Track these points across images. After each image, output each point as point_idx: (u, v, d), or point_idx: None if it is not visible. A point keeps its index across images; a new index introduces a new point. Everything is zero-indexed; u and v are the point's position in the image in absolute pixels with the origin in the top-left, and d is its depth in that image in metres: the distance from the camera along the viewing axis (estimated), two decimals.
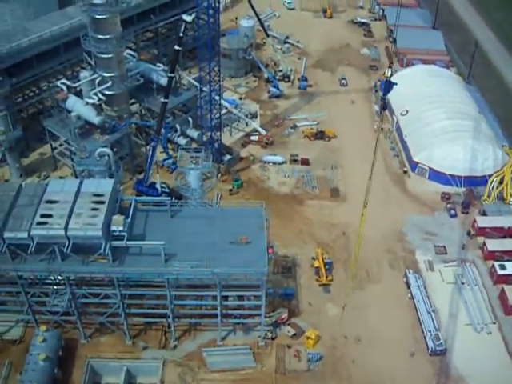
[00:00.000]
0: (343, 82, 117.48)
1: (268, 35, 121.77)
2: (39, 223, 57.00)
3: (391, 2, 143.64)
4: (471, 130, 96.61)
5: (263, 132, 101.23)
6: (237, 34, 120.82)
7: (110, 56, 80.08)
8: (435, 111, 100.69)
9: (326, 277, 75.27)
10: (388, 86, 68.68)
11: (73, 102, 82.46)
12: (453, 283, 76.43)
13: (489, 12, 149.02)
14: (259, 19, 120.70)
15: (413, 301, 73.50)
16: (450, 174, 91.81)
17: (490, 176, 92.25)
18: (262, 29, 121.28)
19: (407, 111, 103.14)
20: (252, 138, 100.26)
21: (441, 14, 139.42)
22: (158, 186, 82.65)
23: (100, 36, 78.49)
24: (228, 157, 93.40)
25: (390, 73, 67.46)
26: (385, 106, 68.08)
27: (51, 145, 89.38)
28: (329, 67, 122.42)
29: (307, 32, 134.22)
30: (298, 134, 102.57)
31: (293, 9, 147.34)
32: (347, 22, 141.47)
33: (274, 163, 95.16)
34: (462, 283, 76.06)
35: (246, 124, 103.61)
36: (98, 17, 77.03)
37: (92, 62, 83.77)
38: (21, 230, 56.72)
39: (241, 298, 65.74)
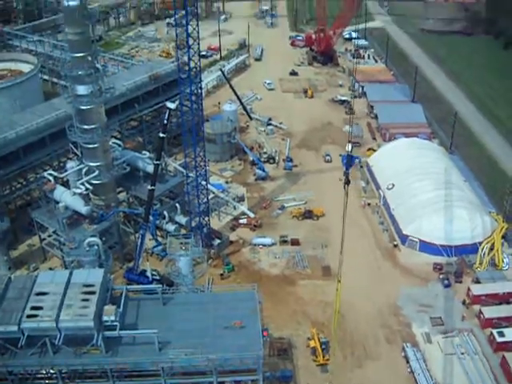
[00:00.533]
0: (328, 158, 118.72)
1: (251, 118, 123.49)
2: (29, 316, 55.65)
3: (370, 79, 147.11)
4: (458, 199, 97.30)
5: (251, 215, 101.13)
6: (220, 119, 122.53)
7: (95, 146, 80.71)
8: (421, 183, 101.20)
9: (323, 356, 73.88)
10: (349, 160, 70.73)
11: (60, 192, 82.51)
12: (452, 354, 74.69)
13: (466, 84, 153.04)
14: (241, 103, 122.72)
15: (413, 375, 71.79)
16: (441, 245, 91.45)
17: (481, 243, 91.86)
18: (244, 112, 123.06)
19: (393, 185, 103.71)
20: (240, 221, 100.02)
21: (419, 88, 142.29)
22: (148, 273, 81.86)
23: (85, 126, 79.28)
24: (217, 241, 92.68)
25: (350, 148, 69.31)
26: (348, 180, 69.53)
27: (40, 236, 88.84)
28: (313, 146, 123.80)
29: (290, 113, 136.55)
30: (286, 215, 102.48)
31: (273, 89, 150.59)
32: (328, 100, 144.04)
33: (264, 245, 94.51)
34: (462, 353, 74.43)
35: (234, 208, 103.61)
36: (82, 107, 77.92)
37: (78, 153, 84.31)
38: (10, 323, 55.28)
39: (238, 382, 64.24)
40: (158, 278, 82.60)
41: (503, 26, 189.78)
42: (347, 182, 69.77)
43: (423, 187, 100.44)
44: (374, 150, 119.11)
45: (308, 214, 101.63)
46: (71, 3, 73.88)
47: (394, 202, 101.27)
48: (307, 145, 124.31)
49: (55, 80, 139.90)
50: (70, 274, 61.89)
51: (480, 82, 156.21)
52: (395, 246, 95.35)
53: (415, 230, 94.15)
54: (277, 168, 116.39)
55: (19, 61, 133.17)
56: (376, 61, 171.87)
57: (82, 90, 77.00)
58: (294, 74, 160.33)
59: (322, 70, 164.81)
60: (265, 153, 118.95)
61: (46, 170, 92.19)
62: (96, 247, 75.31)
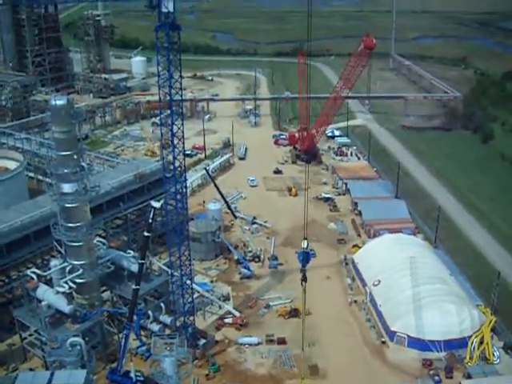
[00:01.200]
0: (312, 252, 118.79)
1: (236, 217, 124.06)
2: None
3: (353, 176, 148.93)
4: (444, 293, 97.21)
5: (237, 314, 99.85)
6: (205, 218, 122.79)
7: (80, 244, 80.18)
8: (407, 278, 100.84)
9: None
10: (305, 257, 71.69)
11: (43, 291, 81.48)
12: None
13: (448, 178, 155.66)
14: (226, 202, 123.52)
15: None
16: (429, 340, 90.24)
17: (470, 337, 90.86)
18: (229, 211, 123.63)
19: (379, 281, 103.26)
20: (226, 320, 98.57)
21: (402, 183, 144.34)
22: (132, 374, 79.74)
23: (70, 224, 79.01)
24: (203, 341, 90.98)
25: (306, 244, 70.18)
26: (305, 277, 70.09)
27: (20, 335, 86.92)
28: (298, 244, 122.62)
29: (274, 211, 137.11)
30: (272, 314, 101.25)
31: (256, 186, 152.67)
32: (312, 198, 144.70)
33: (250, 345, 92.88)
34: None
35: (220, 307, 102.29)
36: (67, 205, 77.93)
37: (62, 250, 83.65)
38: None
39: None
40: (142, 379, 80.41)
41: (480, 121, 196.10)
42: (304, 279, 70.04)
43: (409, 282, 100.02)
44: (359, 247, 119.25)
45: (294, 313, 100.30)
46: (58, 102, 75.18)
47: (380, 299, 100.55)
48: (292, 243, 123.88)
49: (41, 177, 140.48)
50: (51, 375, 60.69)
51: (461, 175, 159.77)
52: (383, 342, 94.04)
53: (403, 325, 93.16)
54: (262, 266, 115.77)
55: (5, 158, 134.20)
56: (359, 158, 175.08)
57: (67, 188, 77.31)
58: (277, 172, 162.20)
59: (305, 168, 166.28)
60: (250, 251, 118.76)
61: (29, 268, 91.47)
62: (79, 347, 73.67)
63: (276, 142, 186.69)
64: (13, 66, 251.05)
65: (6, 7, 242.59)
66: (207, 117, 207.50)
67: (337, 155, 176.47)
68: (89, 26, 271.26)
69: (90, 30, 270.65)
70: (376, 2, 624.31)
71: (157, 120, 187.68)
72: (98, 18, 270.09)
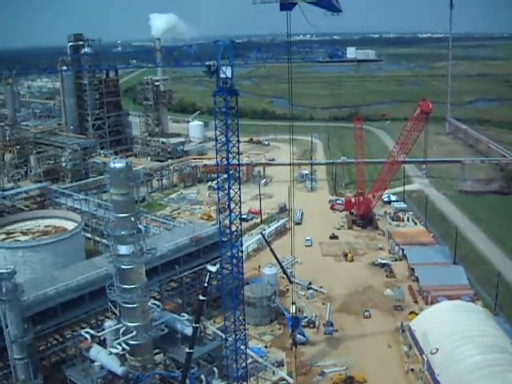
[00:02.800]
0: (366, 314, 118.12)
1: (291, 282, 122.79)
2: None
3: (410, 242, 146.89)
4: (506, 363, 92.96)
5: (291, 380, 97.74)
6: (260, 282, 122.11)
7: (134, 306, 79.83)
8: (466, 347, 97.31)
9: None
10: (295, 321, 70.64)
11: (96, 351, 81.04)
12: None
13: (507, 243, 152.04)
14: (282, 266, 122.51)
15: None
16: None
17: None
18: (285, 276, 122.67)
19: (437, 349, 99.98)
20: None
21: (460, 249, 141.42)
22: None
23: (125, 286, 78.87)
24: None
25: (294, 309, 69.38)
26: (295, 342, 68.76)
27: None
28: (353, 311, 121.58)
29: (330, 277, 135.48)
30: (326, 381, 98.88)
31: (309, 246, 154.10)
32: (368, 264, 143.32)
33: None
34: None
35: (273, 373, 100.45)
36: (123, 267, 77.93)
37: (117, 312, 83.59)
38: None
39: None
40: None
41: None
42: (294, 344, 68.99)
43: (469, 351, 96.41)
44: (416, 314, 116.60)
45: (349, 381, 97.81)
46: (117, 165, 76.02)
47: (438, 368, 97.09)
48: (348, 309, 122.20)
49: (97, 238, 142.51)
50: None
51: None
52: None
53: None
54: (317, 333, 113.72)
55: (64, 218, 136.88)
56: (415, 223, 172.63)
57: (123, 249, 77.40)
58: (334, 237, 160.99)
59: (361, 233, 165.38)
60: (305, 317, 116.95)
61: (83, 328, 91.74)
62: None
63: (332, 207, 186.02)
64: (74, 129, 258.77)
65: (70, 73, 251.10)
66: (263, 181, 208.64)
67: (393, 220, 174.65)
68: (148, 91, 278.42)
69: (149, 94, 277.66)
70: (431, 67, 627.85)
71: (213, 184, 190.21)
72: (157, 83, 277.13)
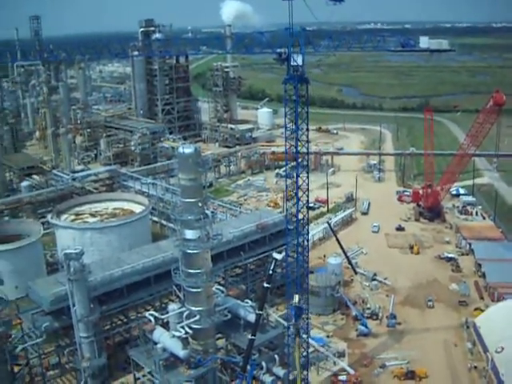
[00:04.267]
0: (430, 303, 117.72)
1: (356, 272, 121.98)
2: None
3: (478, 237, 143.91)
4: None
5: (351, 371, 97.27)
6: (325, 272, 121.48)
7: (199, 290, 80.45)
8: None
9: None
10: (298, 311, 69.84)
11: (159, 333, 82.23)
12: None
13: None
14: (347, 256, 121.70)
15: None
16: None
17: None
18: (349, 266, 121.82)
19: (502, 348, 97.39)
20: (340, 377, 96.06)
21: None
22: None
23: (190, 270, 79.56)
24: None
25: (297, 299, 67.14)
26: (298, 331, 67.32)
27: (134, 375, 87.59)
28: (417, 304, 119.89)
29: (394, 269, 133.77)
30: (387, 374, 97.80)
31: (376, 232, 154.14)
32: (434, 257, 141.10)
33: None
34: None
35: (334, 363, 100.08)
36: (189, 252, 78.59)
37: (181, 295, 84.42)
38: None
39: None
40: None
41: None
42: (297, 334, 68.38)
43: None
44: (482, 310, 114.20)
45: (410, 375, 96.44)
46: (186, 151, 76.58)
47: (503, 367, 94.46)
48: (411, 302, 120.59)
49: (164, 222, 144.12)
50: None
51: None
52: None
53: None
54: (380, 325, 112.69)
55: (132, 201, 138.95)
56: (484, 217, 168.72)
57: (190, 234, 78.00)
58: (400, 229, 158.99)
59: (428, 226, 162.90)
60: (368, 308, 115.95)
61: (147, 310, 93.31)
62: None
63: (399, 199, 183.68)
64: (143, 114, 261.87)
65: (141, 58, 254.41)
66: (331, 170, 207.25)
67: (461, 214, 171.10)
68: (217, 77, 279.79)
69: (219, 80, 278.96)
70: (505, 58, 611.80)
71: (281, 171, 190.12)
72: (226, 70, 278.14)
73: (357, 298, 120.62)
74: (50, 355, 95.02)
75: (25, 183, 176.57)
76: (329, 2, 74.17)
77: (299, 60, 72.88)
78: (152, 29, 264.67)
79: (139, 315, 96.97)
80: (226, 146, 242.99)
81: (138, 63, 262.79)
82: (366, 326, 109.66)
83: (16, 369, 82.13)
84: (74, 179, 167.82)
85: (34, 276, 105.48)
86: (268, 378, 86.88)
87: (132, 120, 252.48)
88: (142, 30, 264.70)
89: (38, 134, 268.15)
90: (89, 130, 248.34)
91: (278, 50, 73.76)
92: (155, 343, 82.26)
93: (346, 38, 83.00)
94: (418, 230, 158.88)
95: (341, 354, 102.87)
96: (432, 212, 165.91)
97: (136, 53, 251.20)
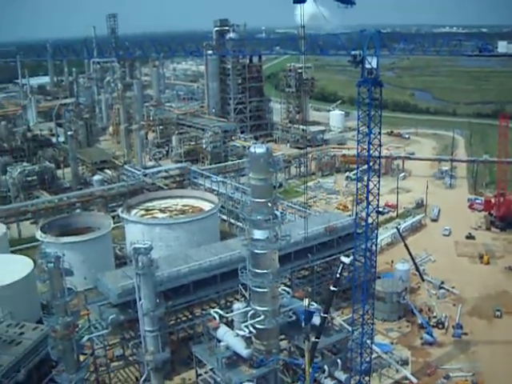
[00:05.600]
0: (498, 313, 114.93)
1: (423, 280, 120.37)
2: None
3: None
4: None
5: (414, 380, 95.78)
6: (392, 277, 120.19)
7: (265, 290, 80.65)
8: None
9: None
10: (308, 315, 68.20)
11: (223, 331, 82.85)
12: None
13: None
14: (415, 263, 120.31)
15: None
16: None
17: None
18: (417, 273, 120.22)
19: None
20: None
21: None
22: None
23: (257, 270, 79.86)
24: None
25: (307, 302, 71.40)
26: (308, 337, 69.71)
27: (196, 371, 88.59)
28: (485, 315, 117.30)
29: (462, 277, 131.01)
30: None
31: (447, 235, 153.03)
32: (504, 268, 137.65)
33: None
34: None
35: (397, 371, 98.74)
36: (257, 251, 78.87)
37: (247, 295, 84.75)
38: None
39: None
40: None
41: None
42: (307, 339, 66.73)
43: None
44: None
45: None
46: (258, 151, 76.84)
47: None
48: (479, 313, 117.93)
49: (232, 221, 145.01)
50: None
51: None
52: None
53: None
54: (445, 334, 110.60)
55: (201, 198, 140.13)
56: None
57: (258, 234, 78.29)
58: (470, 237, 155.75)
59: (499, 235, 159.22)
60: (434, 317, 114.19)
61: (212, 307, 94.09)
62: None
63: (471, 206, 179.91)
64: (215, 112, 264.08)
65: (215, 57, 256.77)
66: (402, 175, 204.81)
67: None
68: (290, 78, 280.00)
69: (292, 81, 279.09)
70: None
71: (351, 174, 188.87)
72: (299, 71, 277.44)
73: (423, 306, 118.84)
74: (115, 347, 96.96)
75: (97, 177, 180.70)
76: (340, 5, 73.71)
77: (374, 63, 72.23)
78: (226, 28, 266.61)
79: (204, 312, 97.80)
80: (297, 147, 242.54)
81: (211, 62, 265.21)
82: (432, 335, 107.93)
83: (82, 358, 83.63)
84: (145, 175, 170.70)
85: (103, 268, 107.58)
86: (329, 382, 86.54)
87: (204, 118, 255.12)
88: (216, 29, 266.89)
89: (111, 129, 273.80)
90: (161, 127, 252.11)
91: (353, 52, 73.27)
92: (219, 341, 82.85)
93: (420, 41, 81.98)
94: (488, 240, 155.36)
95: (404, 362, 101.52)
96: (504, 221, 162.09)
97: (210, 52, 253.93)
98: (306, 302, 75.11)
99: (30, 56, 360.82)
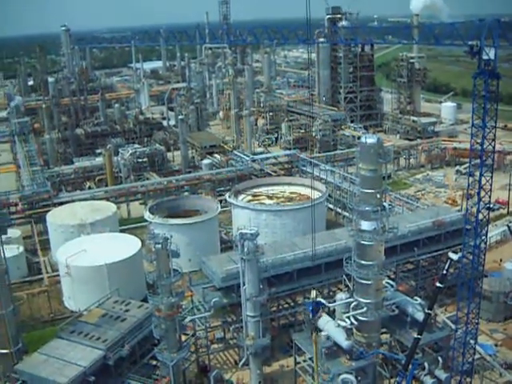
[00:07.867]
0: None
1: None
2: None
3: None
4: None
5: None
6: (500, 276, 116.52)
7: (369, 282, 79.90)
8: None
9: None
10: (316, 306, 71.54)
11: (325, 321, 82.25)
12: None
13: None
14: None
15: None
16: None
17: None
18: None
19: None
20: None
21: None
22: None
23: (362, 261, 79.17)
24: None
25: (314, 294, 71.35)
26: (317, 328, 69.49)
27: (295, 359, 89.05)
28: None
29: None
30: None
31: None
32: None
33: None
34: None
35: (500, 374, 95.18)
36: (363, 243, 78.20)
37: (350, 286, 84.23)
38: None
39: None
40: None
41: None
42: (315, 330, 69.77)
43: None
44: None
45: None
46: (369, 141, 75.99)
47: None
48: None
49: (339, 210, 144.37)
50: None
51: None
52: None
53: None
54: None
55: (309, 187, 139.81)
56: None
57: (366, 225, 77.58)
58: None
59: None
60: None
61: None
62: None
63: None
64: (326, 100, 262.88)
65: (326, 45, 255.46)
66: None
67: None
68: (402, 68, 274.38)
69: (403, 71, 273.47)
70: None
71: (461, 168, 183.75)
72: (412, 61, 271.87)
73: None
74: (216, 329, 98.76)
75: (206, 161, 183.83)
76: None
77: (491, 54, 69.70)
78: (339, 16, 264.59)
79: (306, 301, 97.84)
80: (407, 139, 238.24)
81: (323, 50, 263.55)
82: None
83: (183, 338, 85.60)
84: (253, 161, 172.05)
85: (208, 251, 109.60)
86: (429, 380, 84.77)
87: (314, 106, 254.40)
88: (328, 16, 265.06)
89: (221, 114, 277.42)
90: (271, 114, 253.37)
91: (470, 43, 71.00)
92: (320, 330, 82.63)
93: None
94: None
95: (508, 366, 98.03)
96: None
97: (322, 39, 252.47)
98: (313, 293, 74.28)
99: (145, 41, 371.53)
